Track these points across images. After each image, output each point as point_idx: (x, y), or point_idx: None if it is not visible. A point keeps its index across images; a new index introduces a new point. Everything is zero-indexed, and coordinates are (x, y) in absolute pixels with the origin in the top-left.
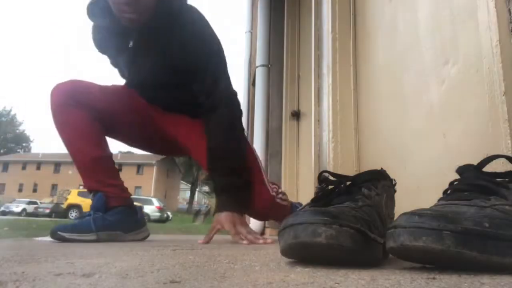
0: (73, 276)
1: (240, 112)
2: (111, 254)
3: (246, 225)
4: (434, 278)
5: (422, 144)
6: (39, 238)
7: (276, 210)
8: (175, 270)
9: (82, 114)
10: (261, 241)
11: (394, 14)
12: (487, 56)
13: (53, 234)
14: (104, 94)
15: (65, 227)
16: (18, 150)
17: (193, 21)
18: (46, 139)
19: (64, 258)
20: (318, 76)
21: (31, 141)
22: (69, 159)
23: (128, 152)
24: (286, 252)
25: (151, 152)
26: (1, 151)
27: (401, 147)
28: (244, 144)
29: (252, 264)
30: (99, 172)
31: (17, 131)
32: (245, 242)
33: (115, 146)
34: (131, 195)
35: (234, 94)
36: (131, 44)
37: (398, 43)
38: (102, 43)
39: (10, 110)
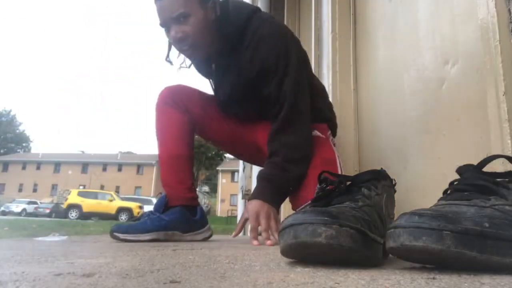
0: (73, 276)
1: (303, 116)
2: (111, 254)
3: (273, 220)
4: (434, 278)
5: (422, 144)
6: (39, 238)
7: None
8: (175, 270)
9: (179, 115)
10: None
11: (394, 14)
12: (487, 56)
13: (111, 234)
14: (201, 100)
15: (120, 227)
16: (18, 150)
17: (257, 33)
18: (46, 139)
19: (64, 258)
20: (318, 76)
21: (31, 141)
22: (69, 159)
23: (128, 152)
24: (286, 252)
25: (240, 159)
26: (1, 151)
27: (401, 147)
28: (304, 146)
29: (252, 264)
30: (172, 172)
31: (17, 131)
32: (255, 242)
33: (115, 146)
34: (197, 196)
35: (300, 98)
36: (213, 67)
37: (398, 43)
38: (198, 69)
39: (10, 110)
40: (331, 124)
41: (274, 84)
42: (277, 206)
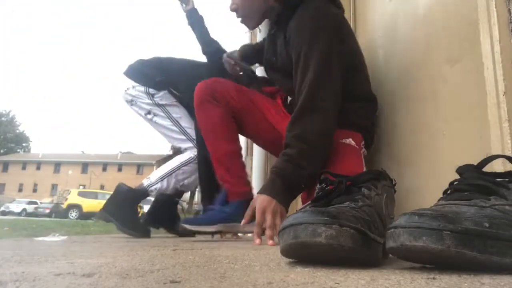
0: (73, 276)
1: (320, 111)
2: (111, 254)
3: (279, 218)
4: (434, 278)
5: (422, 144)
6: (39, 238)
7: None
8: (175, 270)
9: (220, 110)
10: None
11: (394, 14)
12: (487, 56)
13: (180, 226)
14: (238, 93)
15: (188, 220)
16: (18, 150)
17: (301, 14)
18: (46, 139)
19: (64, 258)
20: None
21: (31, 141)
22: (69, 159)
23: (128, 152)
24: (286, 252)
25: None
26: (1, 151)
27: (401, 147)
28: (320, 142)
29: (252, 264)
30: (224, 169)
31: (17, 131)
32: (257, 241)
33: (115, 146)
34: (252, 188)
35: (319, 93)
36: (268, 32)
37: (398, 43)
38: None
39: (10, 111)
40: (367, 135)
41: (298, 73)
42: (286, 203)
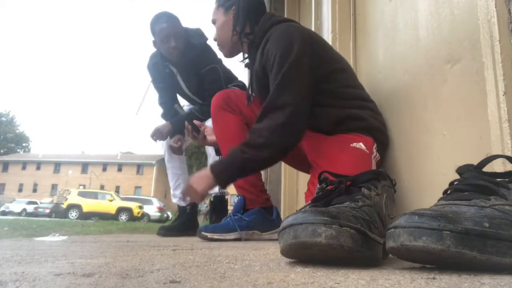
0: (73, 276)
1: (281, 110)
2: (111, 254)
3: (202, 189)
4: (434, 278)
5: (422, 143)
6: (39, 238)
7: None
8: (175, 270)
9: (235, 117)
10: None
11: (394, 14)
12: (487, 56)
13: (198, 233)
14: (250, 105)
15: (207, 228)
16: (18, 150)
17: (269, 35)
18: (46, 139)
19: (64, 258)
20: None
21: (31, 141)
22: (69, 159)
23: (128, 152)
24: (286, 252)
25: (289, 165)
26: (1, 151)
27: (401, 147)
28: (269, 134)
29: (252, 264)
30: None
31: (17, 131)
32: (183, 203)
33: (115, 146)
34: (269, 196)
35: (282, 93)
36: (246, 59)
37: (398, 43)
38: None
39: (10, 111)
40: (380, 136)
41: (271, 84)
42: (220, 179)
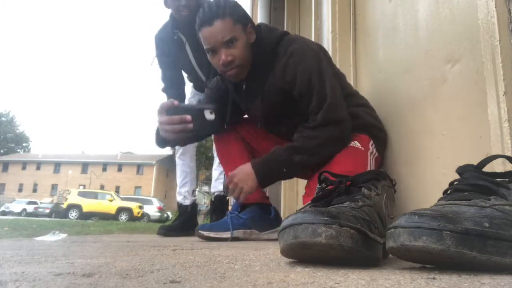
0: (73, 276)
1: (337, 126)
2: (111, 254)
3: (249, 188)
4: (434, 278)
5: (422, 144)
6: (39, 238)
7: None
8: (175, 270)
9: (233, 135)
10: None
11: (394, 14)
12: (487, 56)
13: (196, 232)
14: (248, 125)
15: (204, 226)
16: (18, 150)
17: (287, 51)
18: (46, 139)
19: (64, 258)
20: None
21: (31, 141)
22: (69, 159)
23: (128, 152)
24: (286, 252)
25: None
26: (1, 151)
27: (401, 147)
28: (321, 148)
29: (252, 264)
30: None
31: (17, 131)
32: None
33: (115, 146)
34: (267, 196)
35: (338, 108)
36: (244, 87)
37: (398, 43)
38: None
39: (10, 111)
40: (377, 134)
41: (315, 97)
42: (263, 181)
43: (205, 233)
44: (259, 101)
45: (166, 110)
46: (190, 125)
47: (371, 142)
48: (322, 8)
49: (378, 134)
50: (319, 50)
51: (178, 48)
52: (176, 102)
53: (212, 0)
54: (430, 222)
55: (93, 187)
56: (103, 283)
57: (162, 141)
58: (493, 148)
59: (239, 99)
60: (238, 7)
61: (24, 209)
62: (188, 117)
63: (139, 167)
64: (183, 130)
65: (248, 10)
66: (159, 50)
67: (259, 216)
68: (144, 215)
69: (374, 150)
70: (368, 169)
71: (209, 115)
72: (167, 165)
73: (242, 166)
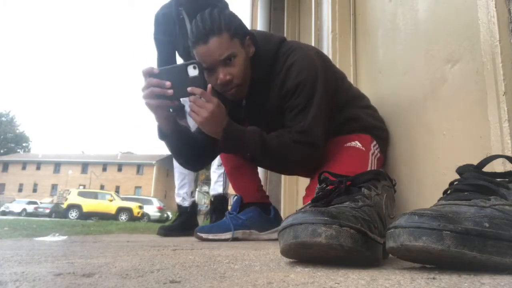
0: (73, 276)
1: (311, 149)
2: (111, 254)
3: (209, 130)
4: (434, 278)
5: (422, 144)
6: (39, 238)
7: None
8: (175, 270)
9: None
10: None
11: (394, 14)
12: (487, 56)
13: (195, 234)
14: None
15: (203, 228)
16: (18, 150)
17: (285, 64)
18: (46, 139)
19: (64, 258)
20: None
21: (31, 141)
22: (69, 159)
23: (128, 152)
24: (286, 252)
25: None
26: (1, 151)
27: (401, 147)
28: (290, 162)
29: (252, 264)
30: (237, 179)
31: (17, 131)
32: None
33: (115, 146)
34: (267, 196)
35: (317, 132)
36: (244, 103)
37: (398, 43)
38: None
39: (10, 111)
40: (380, 134)
41: (298, 111)
42: (223, 142)
43: (204, 235)
44: (260, 116)
45: (149, 76)
46: (168, 83)
47: (374, 142)
48: (322, 8)
49: (380, 134)
50: (317, 61)
51: (179, 28)
52: (156, 70)
53: (206, 12)
54: (430, 222)
55: (93, 187)
56: (103, 283)
57: (160, 132)
58: (493, 148)
59: (238, 113)
60: (234, 18)
61: (24, 209)
62: (168, 82)
63: (139, 167)
64: (162, 92)
65: (248, 10)
66: (158, 27)
67: (258, 216)
68: (144, 215)
69: (376, 151)
70: (369, 169)
71: (193, 71)
72: (167, 165)
73: (221, 116)
